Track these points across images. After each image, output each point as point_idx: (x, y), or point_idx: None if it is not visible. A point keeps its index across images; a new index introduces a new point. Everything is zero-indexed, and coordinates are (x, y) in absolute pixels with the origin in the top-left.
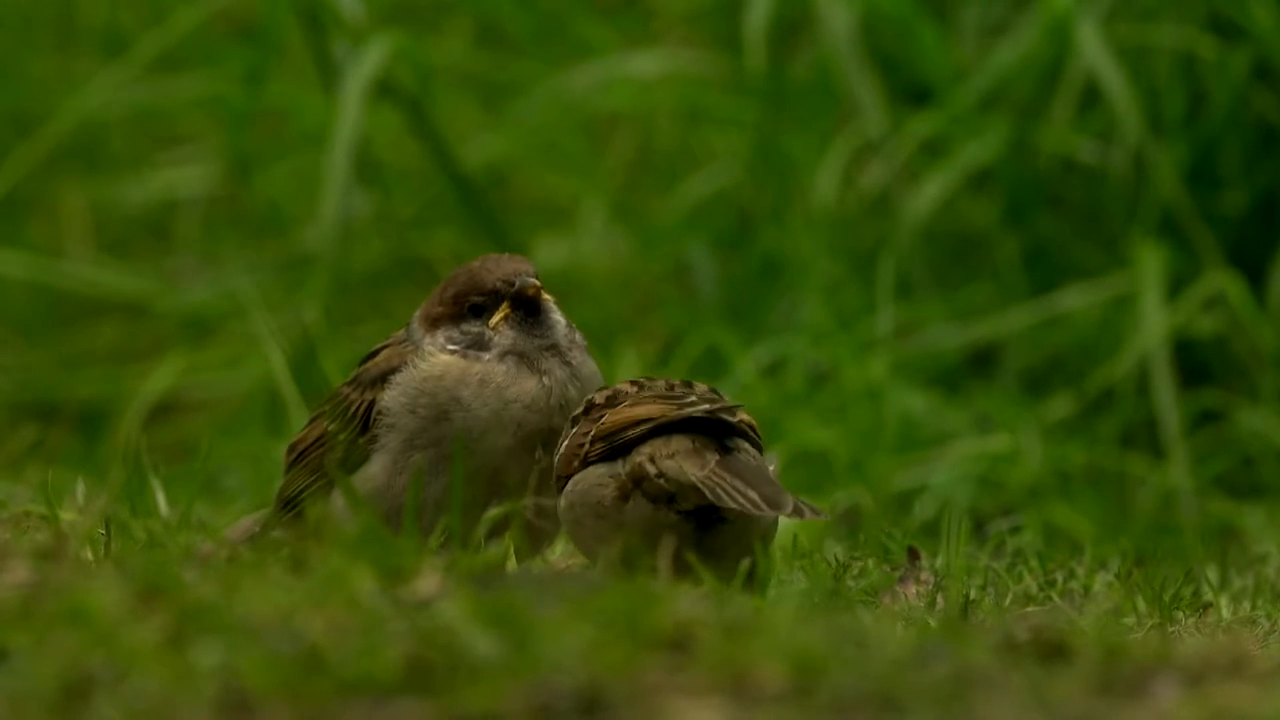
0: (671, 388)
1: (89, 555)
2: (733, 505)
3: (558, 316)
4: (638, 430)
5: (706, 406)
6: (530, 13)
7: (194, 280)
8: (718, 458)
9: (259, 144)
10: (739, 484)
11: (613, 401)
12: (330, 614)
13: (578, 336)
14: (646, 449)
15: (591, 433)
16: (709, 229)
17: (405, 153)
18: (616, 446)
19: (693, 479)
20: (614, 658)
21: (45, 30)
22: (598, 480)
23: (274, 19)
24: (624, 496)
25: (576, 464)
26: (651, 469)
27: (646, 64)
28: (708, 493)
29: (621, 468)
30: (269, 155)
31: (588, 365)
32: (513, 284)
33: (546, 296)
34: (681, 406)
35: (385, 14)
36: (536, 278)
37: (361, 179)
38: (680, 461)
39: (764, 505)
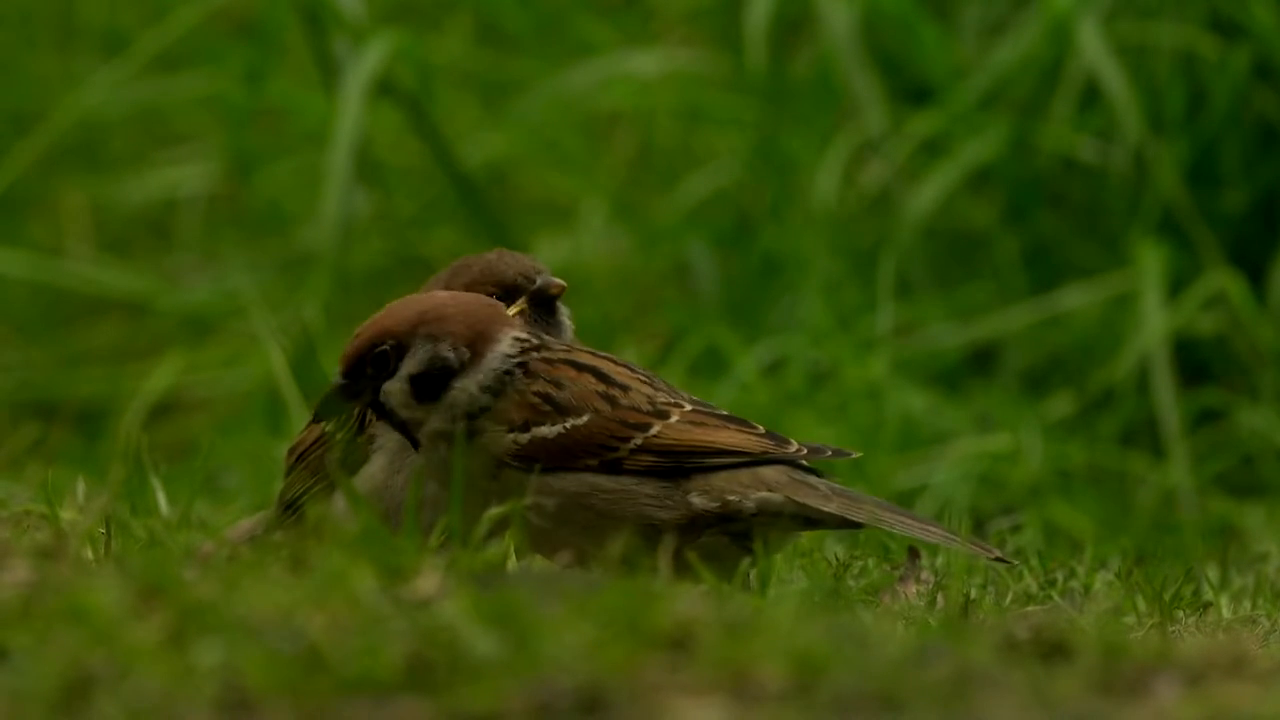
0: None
1: (89, 554)
2: (949, 546)
3: (565, 318)
4: (718, 460)
5: (803, 450)
6: (530, 11)
7: (194, 279)
8: (829, 490)
9: (259, 143)
10: (932, 528)
11: (658, 410)
12: (331, 613)
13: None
14: (723, 482)
15: (637, 441)
16: (709, 228)
17: (405, 152)
18: (674, 467)
19: (890, 524)
20: (614, 657)
21: (45, 29)
22: (648, 497)
23: (274, 17)
24: (692, 527)
25: (595, 463)
26: (749, 506)
27: (646, 63)
28: (914, 535)
29: (700, 499)
30: (269, 154)
31: None
32: (533, 280)
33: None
34: (755, 436)
35: (385, 13)
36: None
37: (362, 178)
38: (807, 499)
39: (981, 550)
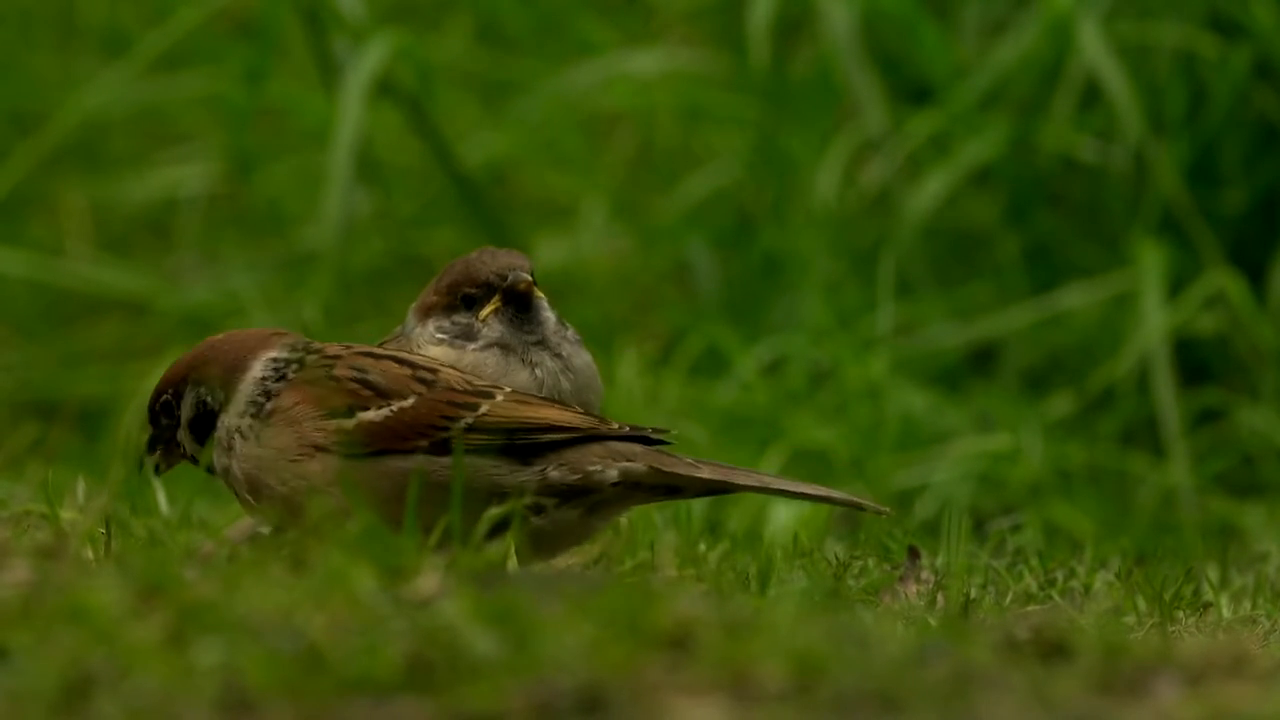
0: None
1: (89, 554)
2: (835, 503)
3: (547, 313)
4: (551, 436)
5: (625, 428)
6: (530, 11)
7: (194, 279)
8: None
9: (260, 142)
10: (798, 485)
11: (481, 391)
12: (331, 612)
13: (569, 332)
14: (577, 455)
15: (467, 420)
16: (709, 227)
17: (405, 151)
18: (508, 445)
19: (763, 485)
20: (614, 656)
21: (46, 29)
22: (496, 471)
23: (274, 17)
24: (551, 499)
25: (425, 444)
26: (611, 475)
27: (647, 62)
28: (788, 492)
29: (557, 472)
30: (270, 154)
31: (580, 357)
32: (505, 277)
33: (539, 294)
34: (578, 414)
35: (385, 12)
36: (531, 273)
37: (362, 177)
38: (673, 467)
39: (868, 504)
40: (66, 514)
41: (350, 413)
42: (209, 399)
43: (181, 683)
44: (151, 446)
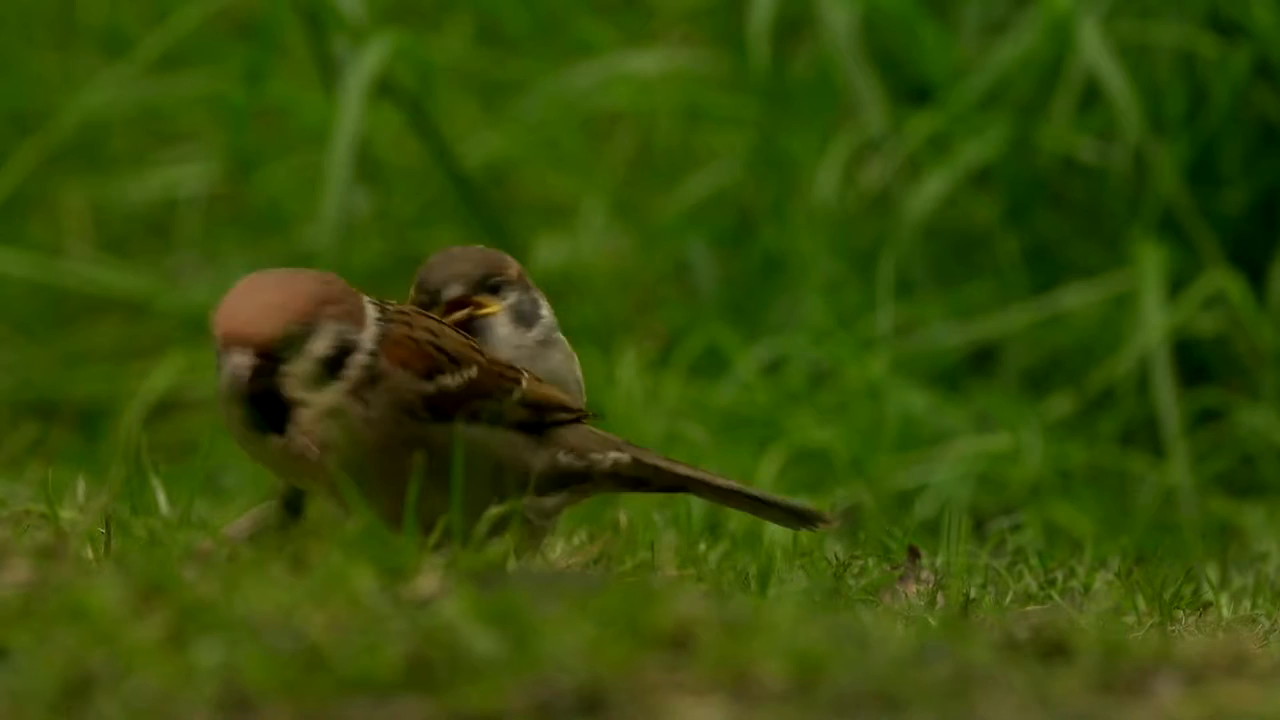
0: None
1: (89, 554)
2: (770, 515)
3: (503, 329)
4: (560, 416)
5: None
6: (530, 11)
7: (194, 279)
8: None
9: (259, 142)
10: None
11: (514, 366)
12: (331, 612)
13: (533, 333)
14: (579, 440)
15: (517, 395)
16: (709, 227)
17: (405, 151)
18: (536, 422)
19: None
20: (614, 656)
21: (46, 29)
22: (527, 450)
23: (274, 17)
24: (553, 484)
25: (484, 415)
26: (606, 464)
27: (647, 62)
28: (747, 501)
29: (566, 456)
30: (269, 153)
31: (547, 360)
32: (440, 292)
33: (488, 312)
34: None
35: (385, 13)
36: (496, 283)
37: (362, 177)
38: (654, 460)
39: (810, 519)
40: (66, 514)
41: (430, 376)
42: (354, 337)
43: (181, 683)
44: (262, 378)
